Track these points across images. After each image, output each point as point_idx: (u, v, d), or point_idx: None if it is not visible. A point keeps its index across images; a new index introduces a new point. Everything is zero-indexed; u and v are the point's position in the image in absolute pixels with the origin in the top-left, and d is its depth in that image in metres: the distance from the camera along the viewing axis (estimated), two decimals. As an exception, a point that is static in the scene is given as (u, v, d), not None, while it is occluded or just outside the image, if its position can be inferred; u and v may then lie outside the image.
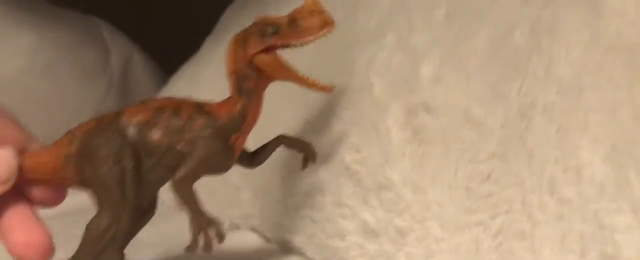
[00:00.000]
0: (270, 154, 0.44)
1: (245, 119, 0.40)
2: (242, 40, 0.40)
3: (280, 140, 0.44)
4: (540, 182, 0.34)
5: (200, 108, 0.40)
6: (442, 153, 0.39)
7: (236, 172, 0.44)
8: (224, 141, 0.40)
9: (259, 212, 0.53)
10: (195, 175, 0.39)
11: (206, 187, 0.41)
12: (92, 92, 0.80)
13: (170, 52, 0.81)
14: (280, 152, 0.46)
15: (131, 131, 0.38)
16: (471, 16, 0.40)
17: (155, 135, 0.38)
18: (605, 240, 0.31)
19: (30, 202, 0.38)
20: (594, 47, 0.33)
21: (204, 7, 0.84)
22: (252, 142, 0.43)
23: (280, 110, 0.52)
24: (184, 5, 1.01)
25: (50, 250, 0.37)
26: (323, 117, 0.48)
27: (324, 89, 0.40)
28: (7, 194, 0.37)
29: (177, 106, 0.40)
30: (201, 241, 0.38)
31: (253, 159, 0.43)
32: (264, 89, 0.41)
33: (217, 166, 0.40)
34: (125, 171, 0.38)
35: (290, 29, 0.39)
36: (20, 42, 0.77)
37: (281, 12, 0.40)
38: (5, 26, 0.77)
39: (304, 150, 0.44)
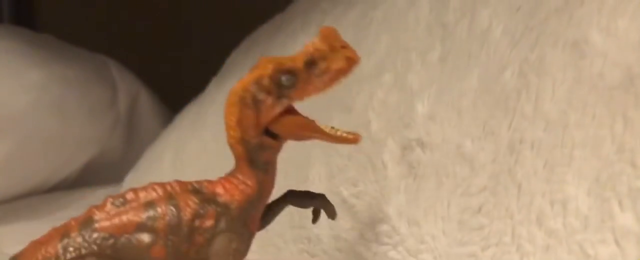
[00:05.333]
0: (278, 213, 0.36)
1: (262, 197, 0.33)
2: (250, 99, 0.31)
3: (288, 200, 0.36)
4: (528, 214, 0.36)
5: (200, 196, 0.31)
6: (435, 187, 0.41)
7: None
8: (243, 227, 0.33)
9: (256, 247, 0.54)
10: None
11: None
12: (99, 129, 0.82)
13: (177, 92, 0.83)
14: (279, 186, 0.47)
15: (108, 245, 0.30)
16: (463, 58, 0.42)
17: (150, 245, 0.30)
18: (590, 270, 0.33)
19: None
20: (578, 87, 0.35)
21: (210, 49, 0.87)
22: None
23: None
24: (191, 48, 1.03)
25: None
26: (321, 152, 0.49)
27: (352, 140, 0.34)
28: None
29: (169, 198, 0.31)
30: None
31: (261, 220, 0.35)
32: (278, 152, 0.34)
33: (241, 254, 0.33)
34: None
35: (310, 75, 0.31)
36: (29, 77, 0.78)
37: (287, 52, 0.40)
38: (16, 62, 0.79)
39: (319, 205, 0.37)
